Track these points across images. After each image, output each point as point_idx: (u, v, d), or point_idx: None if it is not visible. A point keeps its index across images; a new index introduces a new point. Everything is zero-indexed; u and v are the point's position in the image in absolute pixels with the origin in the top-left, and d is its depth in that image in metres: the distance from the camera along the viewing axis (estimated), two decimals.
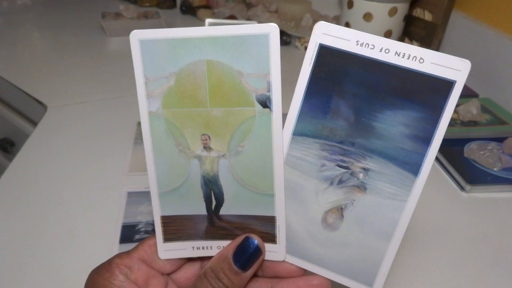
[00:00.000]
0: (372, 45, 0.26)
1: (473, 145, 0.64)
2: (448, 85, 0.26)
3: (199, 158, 0.30)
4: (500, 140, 0.65)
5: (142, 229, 0.49)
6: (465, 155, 0.63)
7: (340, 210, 0.29)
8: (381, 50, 0.26)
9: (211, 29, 0.27)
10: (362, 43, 0.26)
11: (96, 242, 0.47)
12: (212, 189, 0.30)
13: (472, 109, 0.70)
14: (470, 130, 0.69)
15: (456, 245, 0.50)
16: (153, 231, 0.49)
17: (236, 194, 0.30)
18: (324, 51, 0.27)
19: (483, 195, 0.58)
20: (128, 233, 0.49)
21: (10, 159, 0.63)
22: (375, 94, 0.27)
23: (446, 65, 0.25)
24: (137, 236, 0.48)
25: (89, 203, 0.53)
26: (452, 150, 0.64)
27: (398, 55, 0.26)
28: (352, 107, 0.27)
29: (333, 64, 0.27)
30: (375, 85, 0.27)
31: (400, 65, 0.26)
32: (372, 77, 0.26)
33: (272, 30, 0.27)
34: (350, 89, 0.27)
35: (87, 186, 0.56)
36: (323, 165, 0.29)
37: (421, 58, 0.26)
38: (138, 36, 0.28)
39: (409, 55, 0.26)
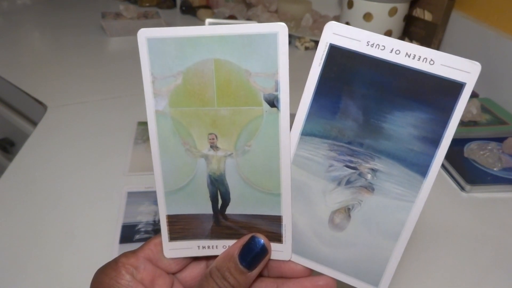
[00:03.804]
0: (383, 46, 0.26)
1: (473, 145, 0.65)
2: (458, 87, 0.26)
3: (205, 157, 0.29)
4: (500, 140, 0.66)
5: (142, 229, 0.49)
6: (465, 155, 0.64)
7: (347, 211, 0.29)
8: (391, 51, 0.26)
9: (219, 28, 0.27)
10: (373, 44, 0.26)
11: (96, 242, 0.47)
12: (218, 189, 0.30)
13: (472, 109, 0.70)
14: (470, 130, 0.69)
15: (456, 245, 0.50)
16: (153, 231, 0.49)
17: (242, 193, 0.30)
18: (334, 51, 0.27)
19: (483, 195, 0.58)
20: (128, 233, 0.49)
21: (10, 159, 0.63)
22: (385, 95, 0.27)
23: (456, 67, 0.25)
24: (137, 236, 0.48)
25: (89, 203, 0.53)
26: (452, 150, 0.64)
27: (409, 57, 0.26)
28: (361, 107, 0.27)
29: (343, 64, 0.27)
30: (384, 86, 0.27)
31: (410, 67, 0.26)
32: (382, 78, 0.26)
33: (280, 29, 0.26)
34: (359, 90, 0.27)
35: (87, 186, 0.55)
36: (331, 166, 0.29)
37: (431, 60, 0.26)
38: (145, 35, 0.27)
39: (420, 56, 0.26)
